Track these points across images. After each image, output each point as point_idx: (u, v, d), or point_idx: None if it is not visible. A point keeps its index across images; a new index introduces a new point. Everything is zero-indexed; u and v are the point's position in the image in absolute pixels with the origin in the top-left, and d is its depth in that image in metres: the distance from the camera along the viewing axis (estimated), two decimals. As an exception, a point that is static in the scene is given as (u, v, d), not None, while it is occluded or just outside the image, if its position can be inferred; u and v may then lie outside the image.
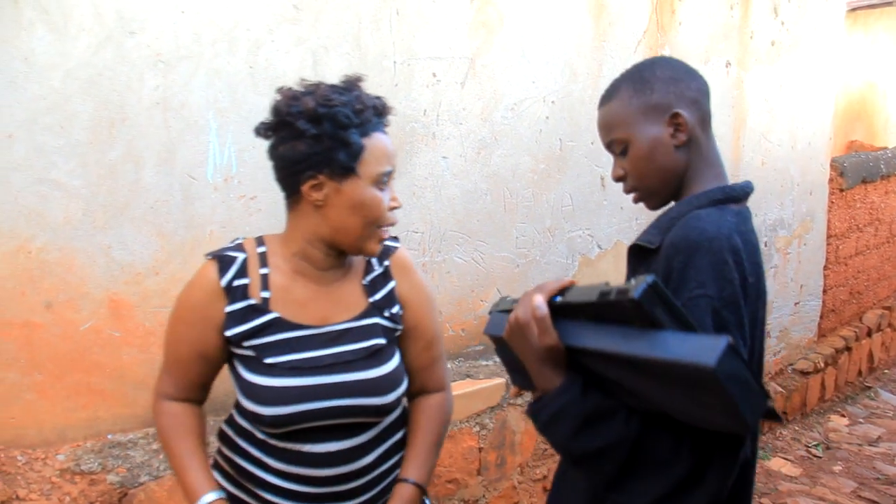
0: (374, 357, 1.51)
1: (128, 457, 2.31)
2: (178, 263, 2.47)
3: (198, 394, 1.60)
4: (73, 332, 2.29)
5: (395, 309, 1.58)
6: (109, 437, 2.38)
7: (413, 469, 1.60)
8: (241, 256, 1.49)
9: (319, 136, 1.39)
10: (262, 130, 1.49)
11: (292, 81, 2.60)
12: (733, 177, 4.28)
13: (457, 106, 3.09)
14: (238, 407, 1.56)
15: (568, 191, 3.51)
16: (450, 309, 3.22)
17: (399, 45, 2.87)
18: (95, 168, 2.27)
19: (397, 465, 1.62)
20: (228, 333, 1.46)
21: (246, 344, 1.46)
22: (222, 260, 1.49)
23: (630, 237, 3.76)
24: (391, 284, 1.60)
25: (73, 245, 2.26)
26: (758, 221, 4.57)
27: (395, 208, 1.51)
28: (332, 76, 2.68)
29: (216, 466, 1.62)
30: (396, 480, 1.60)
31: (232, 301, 1.46)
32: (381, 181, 1.46)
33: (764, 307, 1.38)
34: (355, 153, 1.41)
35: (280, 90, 1.48)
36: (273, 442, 1.49)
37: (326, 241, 1.47)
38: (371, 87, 2.81)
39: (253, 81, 2.54)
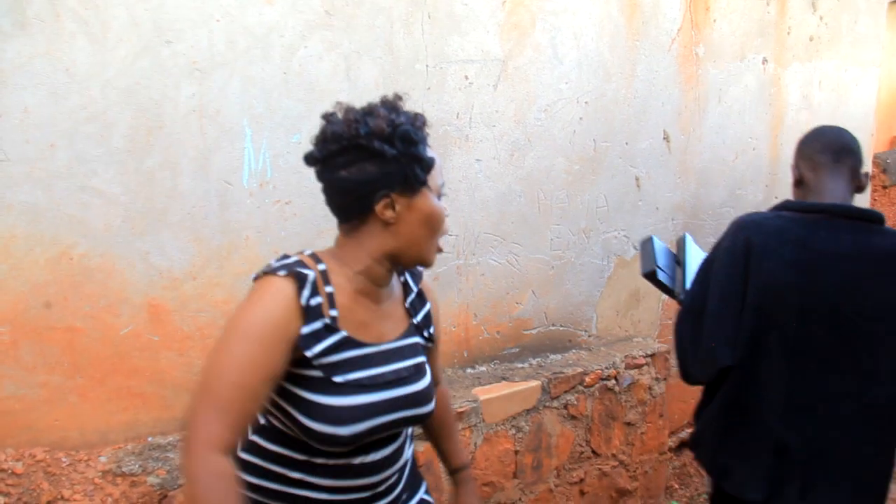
0: (420, 372, 1.58)
1: (167, 459, 2.33)
2: (215, 268, 2.49)
3: (244, 433, 1.39)
4: (114, 337, 2.31)
5: (432, 329, 1.69)
6: (150, 439, 2.40)
7: (462, 455, 1.89)
8: (311, 274, 1.43)
9: (395, 156, 1.40)
10: (322, 157, 1.45)
11: (326, 87, 2.63)
12: (771, 175, 4.21)
13: (489, 108, 3.07)
14: (266, 433, 1.51)
15: (603, 191, 3.46)
16: (484, 311, 3.20)
17: (431, 48, 2.86)
18: (134, 175, 2.30)
19: (409, 456, 1.70)
20: (308, 353, 1.39)
21: (316, 362, 1.41)
22: (299, 277, 1.41)
23: (666, 237, 3.71)
24: (427, 307, 1.68)
25: (113, 251, 2.29)
26: (798, 220, 4.46)
27: (446, 217, 1.56)
28: (365, 81, 2.70)
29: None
30: (457, 469, 1.87)
31: (309, 320, 1.40)
32: (441, 192, 1.50)
33: (779, 297, 1.93)
34: (428, 167, 1.45)
35: (330, 116, 1.46)
36: (320, 460, 1.46)
37: (392, 256, 1.48)
38: (404, 91, 2.83)
39: (287, 87, 2.55)
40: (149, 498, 2.26)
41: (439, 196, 1.49)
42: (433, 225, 1.47)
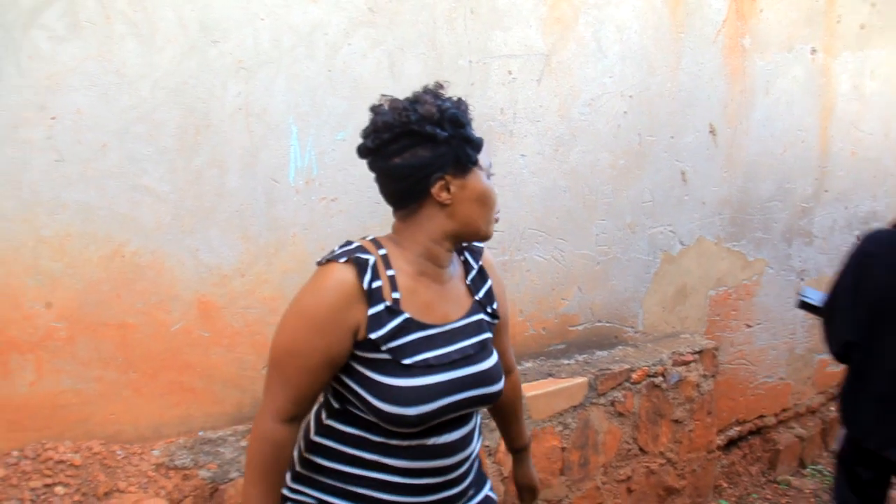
0: (485, 349, 1.58)
1: (218, 453, 2.34)
2: (263, 265, 2.49)
3: (310, 406, 1.54)
4: (165, 333, 2.33)
5: (495, 305, 1.67)
6: (200, 433, 2.42)
7: (525, 436, 1.98)
8: (371, 258, 1.46)
9: (447, 138, 1.42)
10: (375, 147, 1.47)
11: (370, 84, 2.62)
12: (821, 168, 4.09)
13: (533, 103, 3.03)
14: (339, 416, 1.54)
15: (648, 186, 3.40)
16: (530, 307, 3.16)
17: (474, 43, 2.83)
18: (183, 174, 2.32)
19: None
20: (373, 336, 1.43)
21: (384, 346, 1.45)
22: (358, 262, 1.45)
23: (713, 233, 3.63)
24: (489, 282, 1.67)
25: (163, 249, 2.31)
26: (848, 214, 4.34)
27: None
28: (409, 77, 2.68)
29: (301, 479, 1.58)
30: (519, 449, 1.96)
31: (372, 303, 1.44)
32: (490, 172, 1.53)
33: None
34: (478, 147, 1.49)
35: (378, 107, 1.49)
36: (395, 442, 1.48)
37: (452, 236, 1.51)
38: (447, 87, 2.81)
39: (331, 85, 2.55)
40: (200, 491, 2.27)
41: (488, 176, 1.52)
42: (487, 202, 1.50)
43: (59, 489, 2.12)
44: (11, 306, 2.12)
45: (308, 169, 2.55)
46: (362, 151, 1.51)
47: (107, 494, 2.15)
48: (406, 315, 1.47)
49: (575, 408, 3.07)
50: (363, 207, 2.61)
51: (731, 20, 3.62)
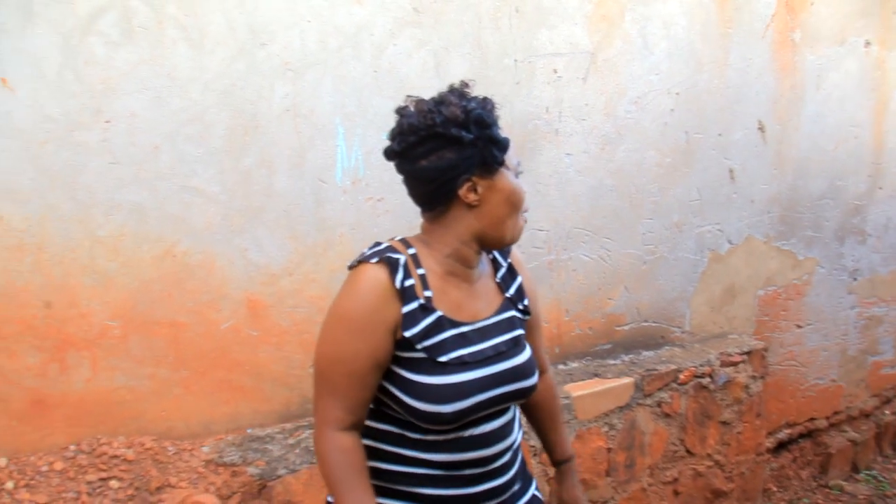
0: (518, 345, 1.57)
1: (266, 450, 2.36)
2: (311, 264, 2.50)
3: (364, 413, 1.49)
4: (215, 332, 2.36)
5: (526, 301, 1.65)
6: (249, 431, 2.44)
7: (567, 447, 1.85)
8: (402, 257, 1.45)
9: (473, 140, 1.41)
10: (401, 150, 1.46)
11: (416, 83, 2.61)
12: (875, 165, 3.97)
13: (579, 102, 2.99)
14: (377, 415, 1.53)
15: (696, 184, 3.33)
16: (576, 307, 3.12)
17: (519, 42, 2.81)
18: (232, 174, 2.34)
19: (517, 439, 1.67)
20: (408, 334, 1.43)
21: (419, 345, 1.44)
22: (389, 261, 1.44)
23: (762, 231, 3.54)
24: (519, 279, 1.65)
25: (213, 249, 2.33)
26: (904, 212, 4.20)
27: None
28: (455, 76, 2.66)
29: None
30: (562, 461, 1.83)
31: (406, 301, 1.43)
32: (517, 171, 1.51)
33: None
34: (504, 147, 1.46)
35: (404, 109, 1.47)
36: (433, 437, 1.47)
37: (480, 237, 1.49)
38: (492, 86, 2.80)
39: (377, 85, 2.55)
40: (249, 487, 2.29)
41: (516, 175, 1.50)
42: (514, 202, 1.48)
43: (113, 483, 2.16)
44: (69, 305, 2.16)
45: (355, 169, 2.56)
46: (389, 154, 1.49)
47: (159, 489, 2.18)
48: (439, 313, 1.46)
49: (621, 408, 3.03)
50: (409, 207, 2.56)
51: (781, 14, 3.52)
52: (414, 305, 1.44)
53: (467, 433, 1.48)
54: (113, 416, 2.24)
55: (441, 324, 1.46)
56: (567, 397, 2.88)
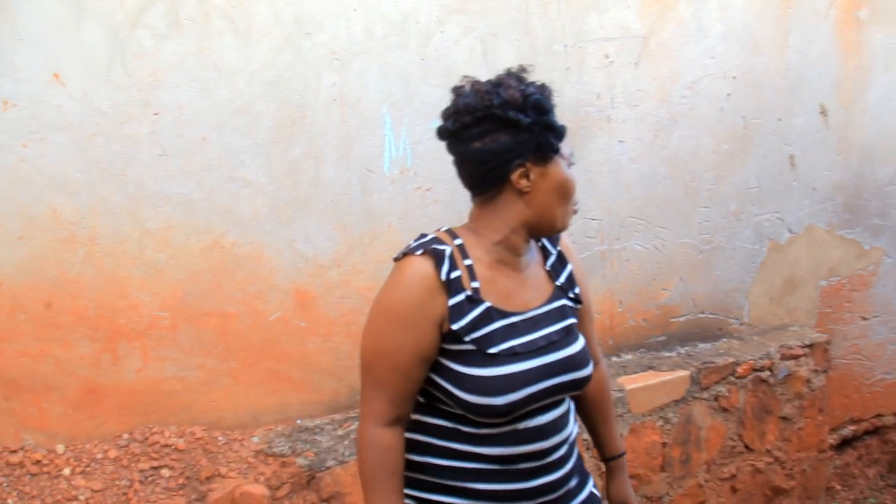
0: (571, 335, 1.50)
1: (315, 441, 2.33)
2: (359, 255, 2.46)
3: (409, 407, 1.46)
4: (263, 323, 2.34)
5: (577, 290, 1.58)
6: (298, 421, 2.41)
7: (618, 443, 1.75)
8: (448, 249, 1.39)
9: (530, 124, 1.35)
10: (455, 129, 1.39)
11: (463, 71, 2.51)
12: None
13: (631, 87, 2.88)
14: (428, 410, 1.47)
15: (754, 172, 3.18)
16: (630, 298, 3.01)
17: (569, 27, 2.71)
18: (279, 165, 2.31)
19: (572, 432, 1.60)
20: (455, 327, 1.37)
21: (467, 337, 1.38)
22: (435, 253, 1.38)
23: (825, 220, 3.37)
24: (569, 267, 1.58)
25: (261, 239, 2.31)
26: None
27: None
28: (503, 63, 2.55)
29: (409, 480, 1.50)
30: (613, 457, 1.74)
31: (452, 294, 1.38)
32: (570, 161, 1.45)
33: None
34: (561, 135, 1.40)
35: (460, 89, 1.41)
36: (486, 430, 1.41)
37: (529, 225, 1.43)
38: (542, 73, 2.67)
39: (424, 73, 2.49)
40: (298, 478, 2.27)
41: (570, 164, 1.44)
42: (565, 192, 1.42)
43: (164, 472, 2.15)
44: (119, 296, 2.16)
45: (403, 158, 2.51)
46: (442, 133, 1.43)
47: (209, 479, 2.17)
48: (487, 303, 1.40)
49: (676, 402, 2.91)
50: (458, 197, 2.50)
51: (845, -7, 3.33)
52: (461, 297, 1.38)
53: (522, 426, 1.42)
54: (164, 405, 2.24)
55: (490, 315, 1.40)
56: (620, 390, 2.78)
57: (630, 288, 2.99)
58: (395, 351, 1.36)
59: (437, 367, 1.41)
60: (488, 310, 1.40)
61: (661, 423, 2.88)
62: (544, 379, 1.41)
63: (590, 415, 1.75)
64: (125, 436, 2.19)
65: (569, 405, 1.54)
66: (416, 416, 1.49)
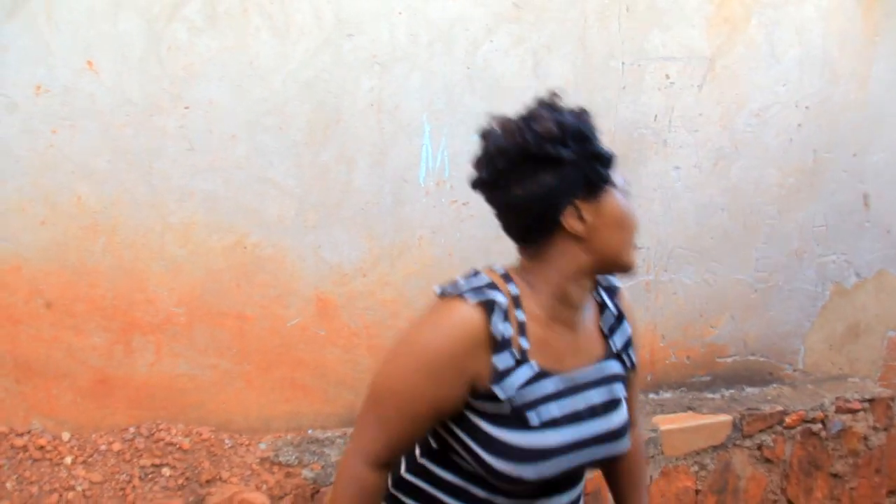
0: (615, 404, 1.29)
1: (324, 454, 2.21)
2: (387, 266, 2.33)
3: (404, 453, 1.32)
4: (281, 328, 2.23)
5: (633, 355, 1.36)
6: (309, 432, 2.30)
7: None
8: (503, 300, 1.19)
9: (573, 158, 1.15)
10: (492, 178, 1.20)
11: (511, 83, 2.38)
12: None
13: (692, 111, 2.65)
14: (440, 460, 1.30)
15: (821, 209, 2.90)
16: (674, 334, 2.78)
17: (628, 44, 2.51)
18: (309, 169, 2.20)
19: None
20: (496, 388, 1.18)
21: (505, 398, 1.18)
22: (490, 305, 1.18)
23: (900, 265, 3.05)
24: (628, 329, 1.35)
25: (284, 243, 2.21)
26: None
27: None
28: (554, 78, 2.41)
29: None
30: None
31: (498, 351, 1.19)
32: (626, 188, 1.22)
33: None
34: (610, 162, 1.19)
35: (488, 133, 1.21)
36: (501, 500, 1.24)
37: (590, 270, 1.22)
38: (595, 90, 2.52)
39: (470, 83, 2.34)
40: (301, 490, 2.15)
41: (626, 194, 1.21)
42: (627, 226, 1.20)
43: (165, 471, 2.07)
44: (137, 288, 2.09)
45: (440, 170, 2.37)
46: (477, 185, 1.23)
47: (209, 482, 2.07)
48: (535, 367, 1.20)
49: (715, 448, 2.67)
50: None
51: (941, 24, 3.01)
52: (507, 357, 1.18)
53: (538, 502, 1.24)
54: (173, 402, 2.16)
55: (535, 378, 1.21)
56: (654, 430, 2.56)
57: (675, 322, 2.76)
58: (413, 397, 1.18)
59: (464, 423, 1.22)
60: (535, 374, 1.20)
61: (695, 468, 2.64)
62: (579, 449, 1.23)
63: (618, 483, 1.52)
64: (131, 429, 2.12)
65: (584, 481, 1.35)
66: (424, 462, 1.31)
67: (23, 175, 1.98)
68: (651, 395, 2.78)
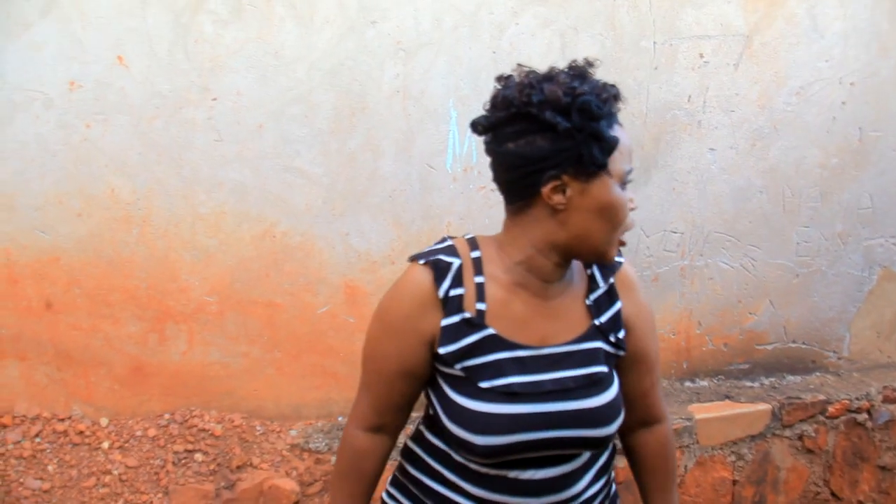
0: (595, 385, 1.27)
1: (353, 440, 2.27)
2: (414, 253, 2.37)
3: (395, 419, 1.35)
4: (311, 315, 2.29)
5: (621, 334, 1.33)
6: (339, 419, 2.36)
7: None
8: (456, 262, 1.24)
9: (569, 130, 1.13)
10: (489, 124, 1.22)
11: (539, 67, 2.37)
12: None
13: (728, 90, 2.62)
14: (432, 425, 1.36)
15: (868, 190, 2.83)
16: (710, 320, 2.76)
17: (660, 22, 2.49)
18: (336, 157, 2.25)
19: (602, 489, 1.39)
20: (442, 351, 1.23)
21: (458, 365, 1.23)
22: (437, 266, 1.23)
23: (952, 248, 2.97)
24: (617, 306, 1.33)
25: (313, 231, 2.26)
26: None
27: (632, 210, 1.24)
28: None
29: (396, 484, 1.44)
30: None
31: (449, 313, 1.23)
32: (626, 180, 1.20)
33: None
34: (609, 148, 1.16)
35: (504, 78, 1.22)
36: (475, 467, 1.27)
37: (561, 248, 1.22)
38: (626, 70, 2.51)
39: (496, 67, 2.34)
40: (330, 477, 2.22)
41: (623, 184, 1.20)
42: (611, 217, 1.19)
43: (198, 456, 2.16)
44: (169, 278, 2.17)
45: (467, 156, 2.39)
46: (475, 127, 1.24)
47: (239, 468, 2.15)
48: (490, 330, 1.22)
49: (753, 437, 2.65)
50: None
51: None
52: (457, 319, 1.22)
53: (512, 474, 1.25)
54: (206, 389, 2.25)
55: (490, 343, 1.22)
56: (689, 419, 2.56)
57: (711, 309, 2.74)
58: (381, 358, 1.27)
59: (435, 387, 1.28)
60: (490, 337, 1.22)
61: (733, 458, 2.63)
62: (543, 429, 1.22)
63: (645, 480, 1.49)
64: (166, 416, 2.21)
65: (585, 461, 1.33)
66: (421, 428, 1.39)
67: (59, 169, 2.08)
68: (687, 384, 2.77)
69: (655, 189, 2.61)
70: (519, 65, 1.22)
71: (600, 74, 1.22)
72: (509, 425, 1.20)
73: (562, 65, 2.29)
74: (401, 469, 1.42)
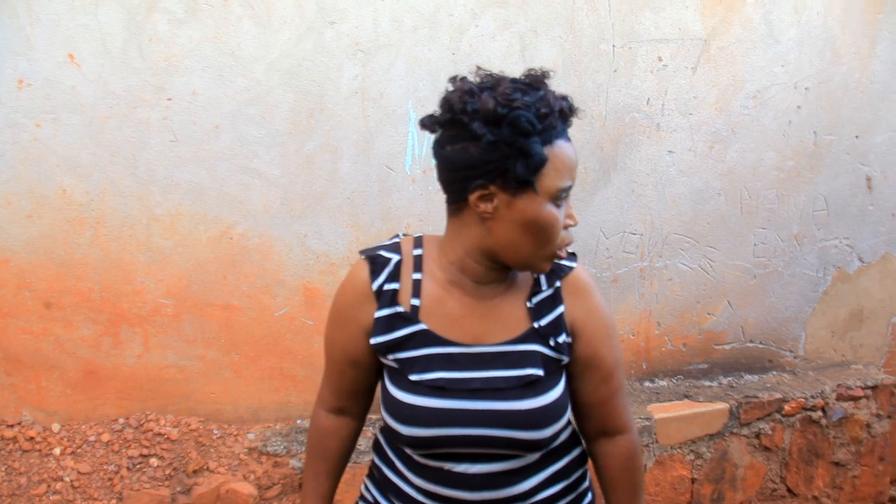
0: (529, 387, 1.29)
1: (312, 444, 2.30)
2: (374, 255, 2.40)
3: (354, 403, 1.44)
4: (269, 318, 2.31)
5: (562, 338, 1.33)
6: (298, 422, 2.38)
7: None
8: (394, 258, 1.31)
9: (496, 143, 1.16)
10: (429, 124, 1.27)
11: (498, 69, 2.42)
12: None
13: (686, 94, 2.70)
14: None
15: (822, 192, 2.93)
16: (669, 320, 2.84)
17: (619, 26, 2.55)
18: (294, 158, 2.27)
19: (561, 494, 1.41)
20: (373, 341, 1.31)
21: (391, 356, 1.30)
22: (374, 261, 1.32)
23: (904, 249, 3.09)
24: (559, 310, 1.34)
25: (271, 233, 2.28)
26: None
27: (569, 226, 1.26)
28: (543, 62, 2.46)
29: (369, 471, 1.51)
30: None
31: (382, 306, 1.30)
32: (560, 197, 1.21)
33: None
34: (535, 166, 1.18)
35: (454, 81, 1.26)
36: (416, 458, 1.33)
37: (489, 254, 1.26)
38: (585, 74, 2.57)
39: (455, 69, 2.36)
40: (289, 480, 2.24)
41: (556, 201, 1.20)
42: (538, 233, 1.21)
43: (153, 461, 2.16)
44: (124, 280, 2.18)
45: (426, 157, 2.43)
46: (422, 125, 1.28)
47: (196, 472, 2.16)
48: (422, 325, 1.29)
49: (711, 436, 2.73)
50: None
51: (949, -1, 3.03)
52: (389, 312, 1.29)
53: (447, 466, 1.30)
54: (162, 393, 2.25)
55: (423, 338, 1.28)
56: (648, 419, 2.63)
57: (670, 309, 2.82)
58: (330, 345, 1.39)
59: (381, 377, 1.38)
60: (422, 332, 1.28)
61: (691, 457, 2.71)
62: (469, 425, 1.26)
63: (609, 492, 1.48)
64: (121, 420, 2.22)
65: (529, 464, 1.34)
66: (384, 415, 1.40)
67: (8, 169, 2.07)
68: (646, 384, 2.85)
69: (615, 191, 2.67)
70: (478, 67, 1.26)
71: (560, 77, 1.27)
72: (434, 418, 1.26)
73: (521, 67, 2.35)
74: (373, 457, 1.50)
